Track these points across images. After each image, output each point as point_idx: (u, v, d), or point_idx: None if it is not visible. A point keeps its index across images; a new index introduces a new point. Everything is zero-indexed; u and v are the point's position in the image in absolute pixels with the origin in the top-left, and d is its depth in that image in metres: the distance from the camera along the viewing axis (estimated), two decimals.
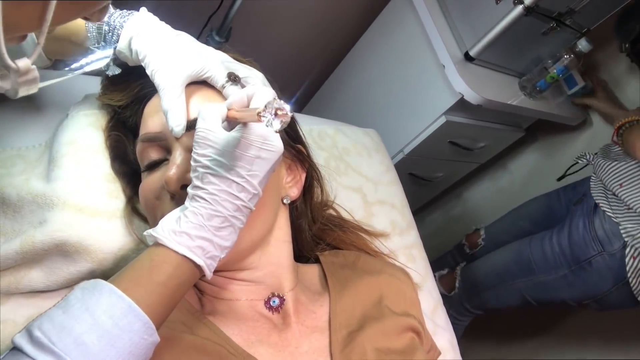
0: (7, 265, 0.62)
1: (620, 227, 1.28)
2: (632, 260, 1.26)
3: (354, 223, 0.87)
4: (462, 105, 1.39)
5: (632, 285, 1.28)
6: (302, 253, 0.76)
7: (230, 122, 0.52)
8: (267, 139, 0.49)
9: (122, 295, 0.43)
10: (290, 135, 0.69)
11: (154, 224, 0.55)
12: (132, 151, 0.66)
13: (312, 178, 0.74)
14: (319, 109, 1.87)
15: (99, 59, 0.63)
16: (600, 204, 1.35)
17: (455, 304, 1.68)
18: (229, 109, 0.51)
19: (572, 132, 1.82)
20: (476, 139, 1.67)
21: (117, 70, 0.65)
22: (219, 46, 1.12)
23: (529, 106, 1.49)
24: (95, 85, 0.72)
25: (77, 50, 0.64)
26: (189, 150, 0.57)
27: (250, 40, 1.53)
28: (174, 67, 0.57)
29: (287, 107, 0.44)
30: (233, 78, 0.60)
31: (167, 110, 0.56)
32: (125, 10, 0.62)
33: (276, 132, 0.45)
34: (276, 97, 0.46)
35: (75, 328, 0.41)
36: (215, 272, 0.53)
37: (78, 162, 0.66)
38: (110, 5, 0.57)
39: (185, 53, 0.59)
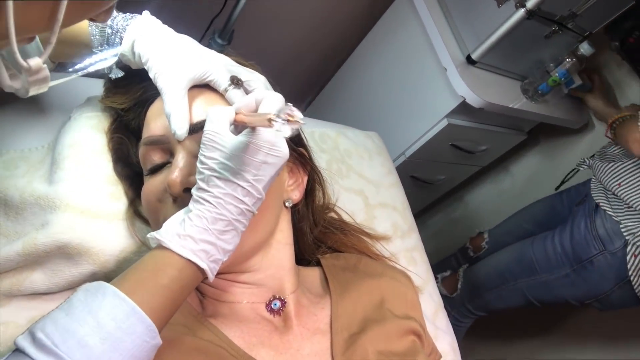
0: (9, 267, 0.62)
1: (621, 226, 1.30)
2: (633, 258, 1.27)
3: (355, 226, 0.87)
4: (464, 108, 1.39)
5: (633, 283, 1.29)
6: (304, 256, 0.76)
7: (238, 126, 0.52)
8: (275, 144, 0.49)
9: (125, 297, 0.43)
10: (293, 138, 0.69)
11: (156, 226, 0.56)
12: (134, 154, 0.66)
13: (314, 181, 0.74)
14: (321, 112, 1.87)
15: (104, 59, 0.63)
16: (601, 204, 1.36)
17: (457, 305, 1.67)
18: (237, 113, 0.51)
19: (574, 135, 1.82)
20: (478, 141, 1.67)
21: (120, 73, 0.65)
22: (221, 49, 1.13)
23: (531, 109, 1.49)
24: (97, 88, 0.72)
25: (80, 53, 0.64)
26: (191, 153, 0.57)
27: (253, 42, 1.53)
28: (177, 70, 0.57)
29: (299, 114, 0.44)
30: (235, 81, 0.60)
31: (170, 113, 0.56)
32: (128, 14, 0.63)
33: (285, 138, 0.45)
34: (288, 103, 0.46)
35: (79, 330, 0.41)
36: (217, 274, 0.52)
37: (80, 164, 0.66)
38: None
39: (187, 56, 0.59)
